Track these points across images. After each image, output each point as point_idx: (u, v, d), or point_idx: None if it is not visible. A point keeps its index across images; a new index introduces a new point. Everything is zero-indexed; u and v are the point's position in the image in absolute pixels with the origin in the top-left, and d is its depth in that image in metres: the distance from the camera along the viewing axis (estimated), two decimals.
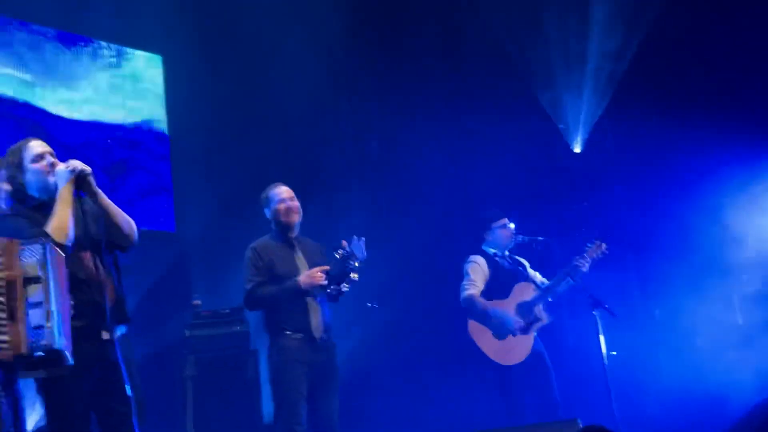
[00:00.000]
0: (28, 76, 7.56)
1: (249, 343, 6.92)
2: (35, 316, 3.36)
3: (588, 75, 8.37)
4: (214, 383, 6.75)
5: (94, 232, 4.10)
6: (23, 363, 3.41)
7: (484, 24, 8.53)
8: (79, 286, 3.98)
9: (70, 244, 3.96)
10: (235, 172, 8.13)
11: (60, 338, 3.41)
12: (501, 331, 6.25)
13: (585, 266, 6.22)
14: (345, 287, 5.31)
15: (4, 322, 3.31)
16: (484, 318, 6.29)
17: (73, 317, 3.85)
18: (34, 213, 4.06)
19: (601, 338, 5.96)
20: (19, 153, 4.13)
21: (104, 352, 4.01)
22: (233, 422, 6.70)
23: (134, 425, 3.91)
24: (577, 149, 8.61)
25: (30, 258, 3.41)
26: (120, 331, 4.14)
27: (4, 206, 4.15)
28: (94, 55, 8.20)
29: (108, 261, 4.14)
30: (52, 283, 3.42)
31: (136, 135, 8.28)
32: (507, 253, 6.58)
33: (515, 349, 6.23)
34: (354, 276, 5.28)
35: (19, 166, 4.10)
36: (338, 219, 7.76)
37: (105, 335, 4.02)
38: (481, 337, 6.29)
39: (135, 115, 8.32)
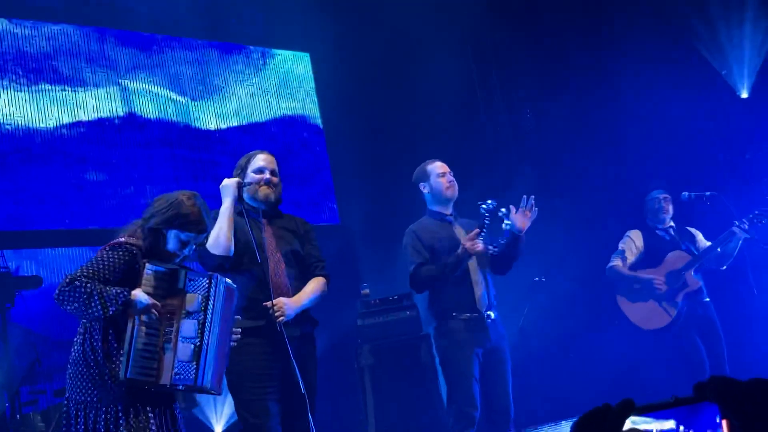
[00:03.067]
0: (184, 96, 7.87)
1: (420, 328, 6.96)
2: (185, 351, 3.46)
3: (747, 14, 7.86)
4: (391, 370, 6.82)
5: (287, 239, 4.50)
6: (166, 389, 3.54)
7: None
8: (261, 287, 4.30)
9: (230, 254, 4.26)
10: (391, 158, 8.18)
11: (205, 375, 3.50)
12: (642, 297, 6.34)
13: (741, 234, 6.00)
14: (502, 241, 5.20)
15: (156, 349, 3.45)
16: (627, 286, 6.45)
17: (254, 317, 4.23)
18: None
19: None
20: (248, 159, 4.62)
21: (284, 349, 4.21)
22: (413, 407, 6.76)
23: (309, 420, 4.14)
24: (744, 95, 8.12)
25: (194, 291, 3.55)
26: (301, 330, 4.40)
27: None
28: (246, 61, 8.44)
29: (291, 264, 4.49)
30: (209, 319, 3.53)
31: (293, 133, 8.47)
32: (672, 224, 6.52)
33: (659, 314, 6.29)
34: (507, 223, 5.14)
35: (244, 171, 4.57)
36: (498, 196, 7.65)
37: (284, 332, 4.24)
38: (626, 305, 6.46)
39: (289, 113, 8.51)
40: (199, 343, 3.48)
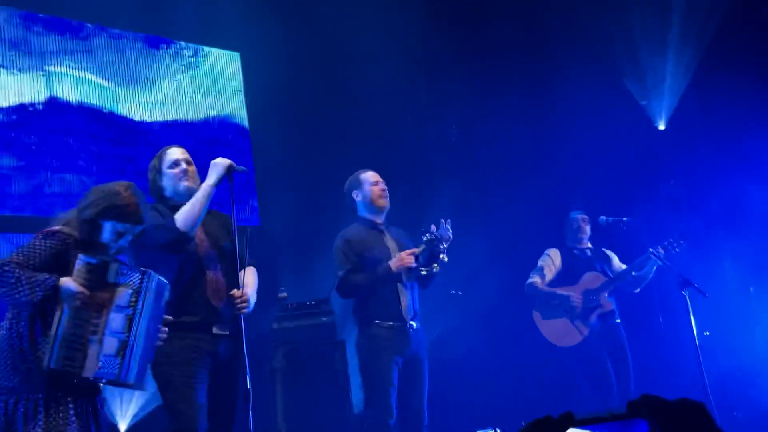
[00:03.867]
0: (109, 83, 7.74)
1: (336, 334, 6.97)
2: (111, 345, 3.41)
3: (670, 50, 8.15)
4: (303, 375, 6.81)
5: (219, 236, 4.39)
6: (89, 382, 3.48)
7: (564, 5, 8.40)
8: (196, 282, 4.28)
9: (191, 234, 4.23)
10: (316, 163, 8.19)
11: (130, 371, 3.46)
12: (557, 314, 6.53)
13: (655, 260, 6.26)
14: (436, 268, 5.23)
15: (81, 341, 3.38)
16: (544, 303, 6.62)
17: (188, 312, 4.20)
18: (170, 211, 4.35)
19: (692, 318, 5.84)
20: (159, 158, 4.51)
21: (215, 345, 4.27)
22: (323, 413, 6.76)
23: (233, 417, 4.22)
24: (662, 126, 8.41)
25: (125, 286, 3.50)
26: (231, 327, 4.32)
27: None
28: (175, 56, 8.35)
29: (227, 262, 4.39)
30: (138, 315, 3.49)
31: (217, 132, 8.41)
32: (589, 245, 6.73)
33: (572, 332, 6.49)
34: (444, 258, 5.19)
35: (159, 170, 4.48)
36: (421, 207, 7.74)
37: (215, 330, 4.27)
38: (541, 321, 6.64)
39: (215, 112, 8.45)
40: (125, 338, 3.43)
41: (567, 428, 1.39)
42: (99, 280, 3.46)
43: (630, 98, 8.44)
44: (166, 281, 3.77)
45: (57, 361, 3.30)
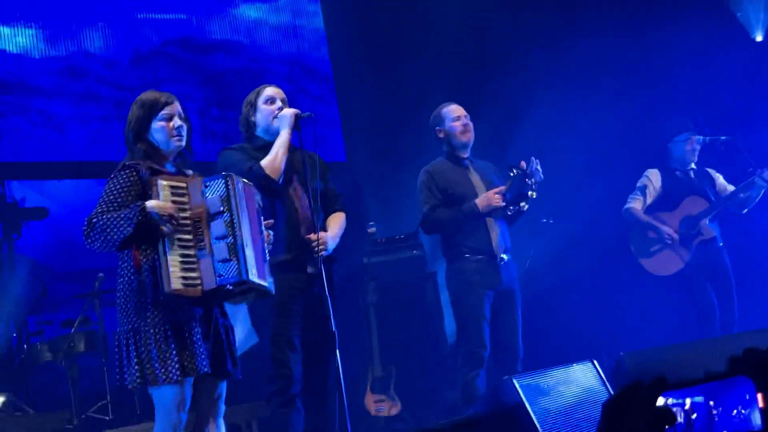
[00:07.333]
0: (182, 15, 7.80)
1: (426, 267, 7.00)
2: (221, 250, 3.43)
3: None
4: (396, 308, 6.91)
5: (307, 174, 4.34)
6: (217, 295, 3.51)
7: None
8: (288, 222, 4.38)
9: (280, 181, 4.33)
10: (400, 97, 8.10)
11: (249, 269, 3.46)
12: (654, 242, 6.24)
13: (762, 183, 5.93)
14: (524, 206, 5.16)
15: (192, 259, 3.43)
16: (640, 236, 6.34)
17: (281, 251, 4.28)
18: (257, 152, 4.45)
19: None
20: (257, 93, 4.57)
21: (310, 285, 4.35)
22: (417, 345, 6.85)
23: (329, 358, 4.25)
24: (759, 38, 8.00)
25: (213, 193, 3.51)
26: (324, 266, 4.34)
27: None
28: None
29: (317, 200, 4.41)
30: (236, 216, 3.49)
31: (299, 67, 8.38)
32: (693, 166, 6.35)
33: (671, 262, 6.22)
34: (532, 194, 5.08)
35: (254, 105, 4.56)
36: (507, 138, 7.60)
37: (310, 269, 4.35)
38: (638, 249, 6.36)
39: (295, 47, 8.41)
40: (232, 240, 3.44)
41: (659, 394, 1.30)
42: (187, 198, 3.50)
43: (724, 9, 8.04)
44: (250, 183, 3.81)
45: (176, 284, 3.34)
